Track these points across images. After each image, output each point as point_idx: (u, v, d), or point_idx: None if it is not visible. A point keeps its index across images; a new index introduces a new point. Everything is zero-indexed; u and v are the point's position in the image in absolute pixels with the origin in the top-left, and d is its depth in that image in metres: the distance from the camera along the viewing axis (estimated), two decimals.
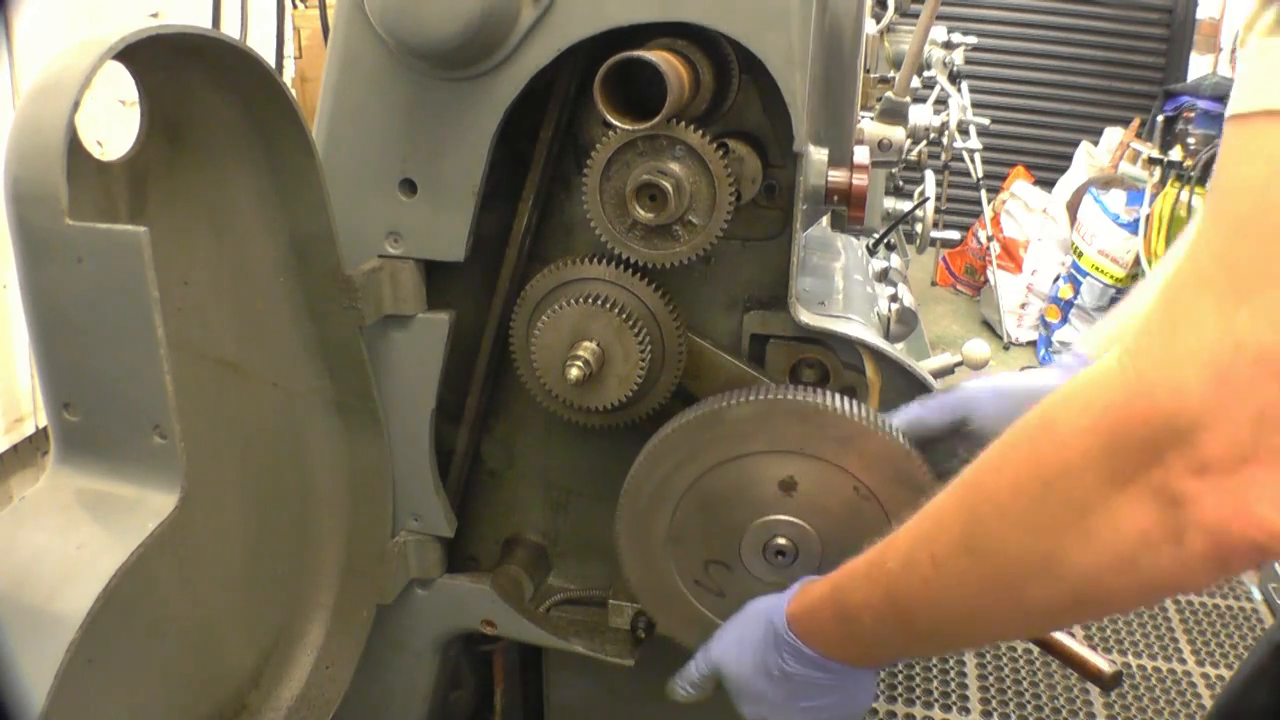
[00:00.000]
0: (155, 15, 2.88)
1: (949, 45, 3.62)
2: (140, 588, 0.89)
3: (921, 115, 2.33)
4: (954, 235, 3.07)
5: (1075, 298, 5.09)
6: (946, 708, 2.65)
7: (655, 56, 0.95)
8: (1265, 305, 0.56)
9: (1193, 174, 4.35)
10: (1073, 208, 5.32)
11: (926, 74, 3.39)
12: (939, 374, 1.45)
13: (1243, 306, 0.56)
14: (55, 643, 0.75)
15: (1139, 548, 0.63)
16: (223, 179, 1.01)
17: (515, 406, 1.30)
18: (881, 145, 1.53)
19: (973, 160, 5.24)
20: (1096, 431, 0.64)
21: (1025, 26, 6.34)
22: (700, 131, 1.02)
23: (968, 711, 2.64)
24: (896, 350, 1.14)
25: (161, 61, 0.89)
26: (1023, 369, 1.18)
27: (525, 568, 1.33)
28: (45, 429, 1.16)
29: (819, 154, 1.10)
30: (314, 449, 1.18)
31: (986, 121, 4.75)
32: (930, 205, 2.56)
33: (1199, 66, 5.62)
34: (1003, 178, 6.15)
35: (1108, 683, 1.17)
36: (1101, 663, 1.17)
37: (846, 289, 1.34)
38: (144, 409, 0.82)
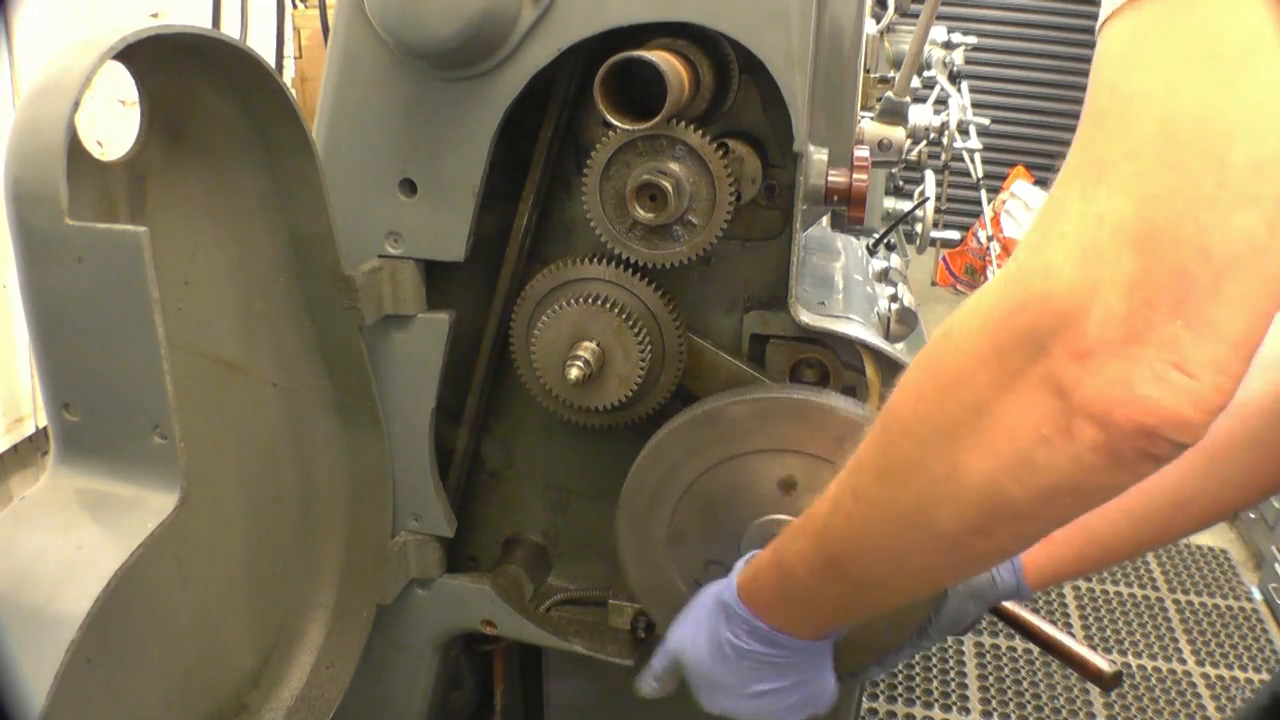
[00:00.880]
0: (155, 15, 2.88)
1: (949, 45, 3.62)
2: (140, 588, 0.89)
3: (921, 115, 2.33)
4: (954, 235, 3.07)
5: None
6: (946, 708, 2.65)
7: (655, 56, 0.95)
8: (1121, 180, 0.57)
9: None
10: None
11: (926, 74, 3.38)
12: None
13: (1101, 185, 0.57)
14: (55, 643, 0.75)
15: (1033, 445, 0.62)
16: (223, 179, 1.01)
17: (515, 406, 1.30)
18: (881, 145, 1.53)
19: (973, 160, 5.23)
20: (984, 330, 0.63)
21: (1025, 26, 6.35)
22: (700, 131, 1.02)
23: (968, 711, 2.64)
24: (896, 350, 1.14)
25: (161, 61, 0.89)
26: None
27: (525, 568, 1.33)
28: (45, 429, 1.16)
29: (819, 154, 1.10)
30: (314, 449, 1.18)
31: (986, 121, 4.74)
32: (930, 205, 2.56)
33: None
34: (1003, 178, 6.16)
35: (1108, 683, 1.18)
36: (1101, 663, 1.17)
37: (846, 289, 1.34)
38: (144, 409, 0.82)
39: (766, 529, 1.08)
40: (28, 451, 2.70)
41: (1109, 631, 3.02)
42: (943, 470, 0.68)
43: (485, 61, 1.04)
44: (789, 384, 1.14)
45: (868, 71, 2.08)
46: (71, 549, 0.81)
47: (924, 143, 2.48)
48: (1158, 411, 0.57)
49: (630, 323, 1.10)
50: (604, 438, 1.23)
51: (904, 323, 1.55)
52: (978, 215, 5.65)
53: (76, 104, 0.76)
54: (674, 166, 1.03)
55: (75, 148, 0.78)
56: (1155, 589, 3.22)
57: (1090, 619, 3.07)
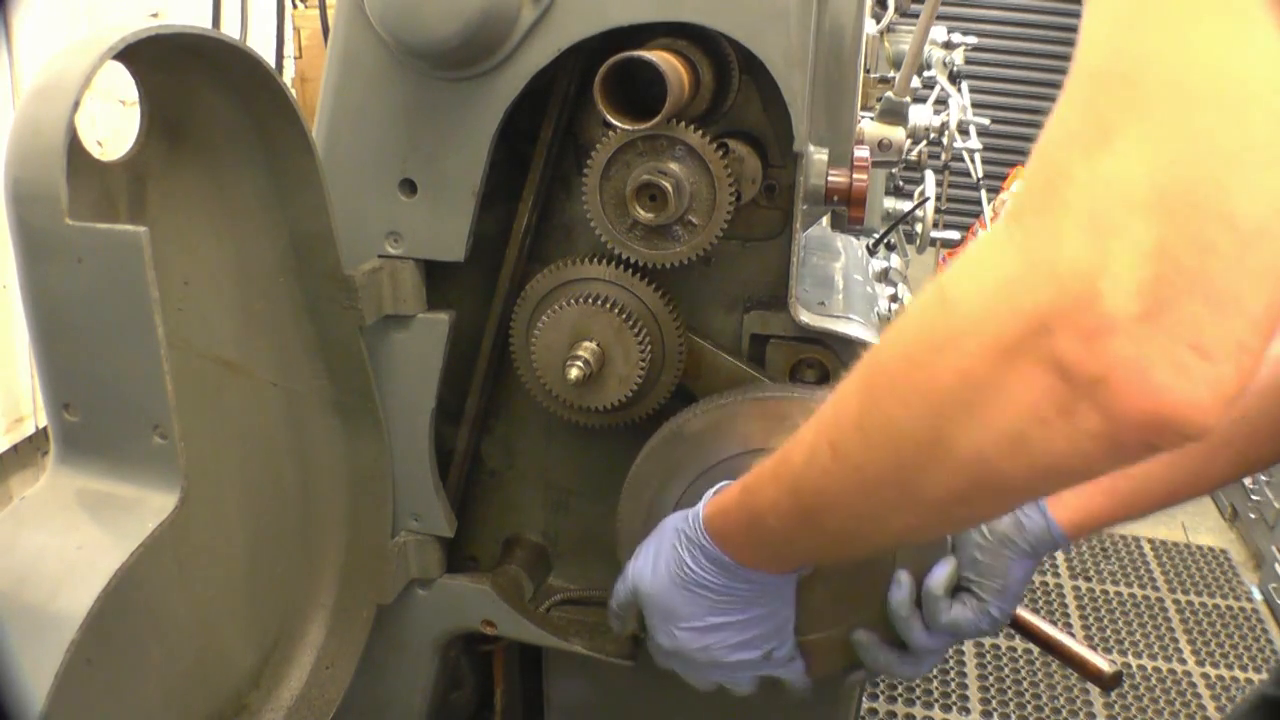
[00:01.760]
0: (155, 15, 2.88)
1: (949, 45, 3.62)
2: (140, 588, 0.89)
3: (921, 115, 2.33)
4: (954, 235, 3.07)
5: None
6: (946, 708, 2.65)
7: (655, 56, 0.95)
8: (1130, 142, 0.52)
9: None
10: None
11: (926, 74, 3.39)
12: None
13: (1107, 149, 0.53)
14: (55, 643, 0.75)
15: (1029, 424, 0.58)
16: (223, 179, 1.01)
17: (515, 406, 1.30)
18: (881, 145, 1.53)
19: (973, 160, 5.23)
20: (984, 297, 0.59)
21: (1025, 26, 6.35)
22: (700, 131, 1.02)
23: (968, 711, 2.65)
24: None
25: (161, 61, 0.89)
26: None
27: (525, 568, 1.33)
28: (45, 429, 1.16)
29: (819, 154, 1.10)
30: (314, 449, 1.18)
31: (986, 121, 4.74)
32: (930, 205, 2.56)
33: None
34: (1003, 178, 6.15)
35: (1108, 683, 1.18)
36: (1101, 663, 1.17)
37: (846, 289, 1.34)
38: (144, 409, 0.82)
39: None
40: (28, 451, 2.70)
41: (1109, 631, 3.02)
42: (929, 438, 0.64)
43: (485, 62, 1.04)
44: (750, 386, 1.14)
45: (868, 71, 2.08)
46: (72, 549, 0.81)
47: (924, 143, 2.48)
48: (1170, 401, 0.52)
49: (630, 323, 1.10)
50: (604, 438, 1.23)
51: None
52: (978, 215, 5.65)
53: (76, 104, 0.76)
54: (674, 166, 1.03)
55: (75, 148, 0.78)
56: (1155, 589, 3.22)
57: (1090, 619, 3.07)
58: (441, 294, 1.20)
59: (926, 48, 3.39)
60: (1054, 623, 1.20)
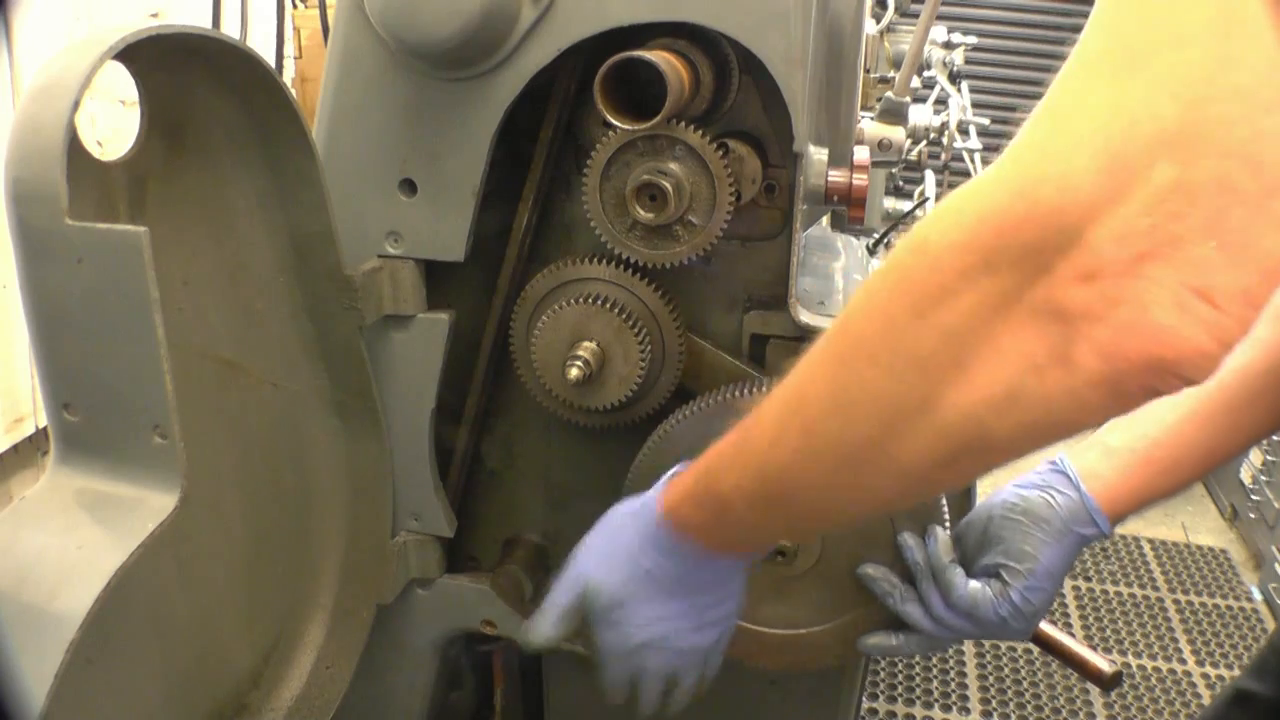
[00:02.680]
0: (155, 15, 2.88)
1: (949, 45, 3.62)
2: (140, 588, 0.89)
3: (921, 115, 2.34)
4: None
5: None
6: (946, 708, 2.65)
7: (655, 56, 0.95)
8: (1162, 71, 0.48)
9: None
10: None
11: (926, 74, 3.39)
12: None
13: (1136, 78, 0.49)
14: (55, 642, 0.75)
15: (1023, 376, 0.54)
16: (223, 179, 1.01)
17: (515, 406, 1.30)
18: (881, 145, 1.53)
19: (973, 160, 5.24)
20: (972, 246, 0.55)
21: (1025, 26, 6.35)
22: (700, 131, 1.02)
23: (968, 711, 2.64)
24: None
25: (161, 61, 0.89)
26: None
27: (525, 568, 1.32)
28: (45, 429, 1.16)
29: (819, 154, 1.10)
30: (314, 449, 1.18)
31: (986, 121, 4.74)
32: (930, 205, 2.56)
33: None
34: None
35: (1108, 683, 1.18)
36: (1101, 663, 1.17)
37: (846, 289, 1.34)
38: (144, 409, 0.82)
39: None
40: (28, 451, 2.70)
41: (1109, 631, 3.02)
42: (914, 402, 0.60)
43: (485, 61, 1.04)
44: (751, 381, 1.13)
45: (868, 71, 2.08)
46: (72, 549, 0.81)
47: (924, 143, 2.49)
48: (1173, 343, 0.49)
49: (630, 323, 1.10)
50: (604, 438, 1.23)
51: None
52: None
53: (76, 104, 0.76)
54: (674, 166, 1.03)
55: (75, 148, 0.78)
56: (1155, 589, 3.22)
57: (1090, 619, 3.07)
58: (441, 294, 1.20)
59: (926, 48, 3.39)
60: (1054, 623, 1.20)
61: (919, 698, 2.68)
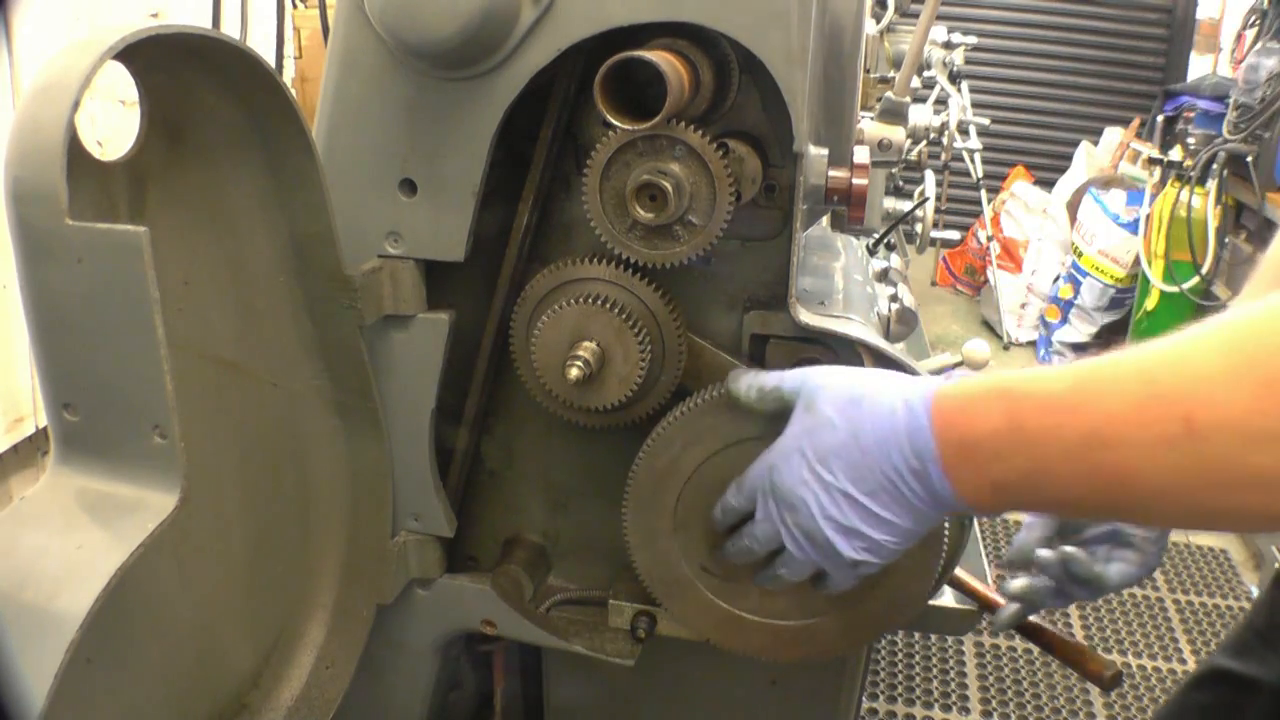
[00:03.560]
0: (155, 15, 2.88)
1: (949, 45, 3.62)
2: (140, 588, 0.89)
3: (921, 115, 2.33)
4: (954, 235, 3.07)
5: (1075, 298, 5.09)
6: (946, 708, 2.65)
7: (655, 56, 0.95)
8: None
9: (1193, 174, 4.35)
10: (1073, 208, 5.32)
11: (926, 74, 3.38)
12: (938, 374, 1.45)
13: None
14: (55, 643, 0.75)
15: None
16: (223, 179, 1.01)
17: (515, 406, 1.30)
18: (881, 145, 1.53)
19: (973, 160, 5.24)
20: None
21: (1025, 26, 6.35)
22: (700, 131, 1.02)
23: (968, 711, 2.65)
24: (896, 350, 1.14)
25: (161, 61, 0.89)
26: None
27: (525, 568, 1.33)
28: (45, 429, 1.16)
29: (819, 154, 1.10)
30: (314, 449, 1.19)
31: (986, 121, 4.75)
32: (930, 205, 2.56)
33: (1199, 66, 5.62)
34: (1003, 178, 6.16)
35: (1108, 683, 1.18)
36: (1102, 663, 1.17)
37: (846, 289, 1.34)
38: (144, 409, 0.82)
39: None
40: (28, 451, 2.71)
41: (1109, 631, 3.02)
42: None
43: (485, 61, 1.04)
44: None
45: (868, 71, 2.08)
46: (72, 549, 0.81)
47: (924, 143, 2.48)
48: None
49: (630, 323, 1.10)
50: (604, 438, 1.23)
51: (904, 323, 1.55)
52: (978, 215, 5.66)
53: (76, 104, 0.76)
54: (674, 166, 1.03)
55: (75, 148, 0.78)
56: (1155, 589, 3.22)
57: (1090, 619, 3.07)
58: (441, 294, 1.20)
59: (926, 48, 3.38)
60: (1054, 623, 1.21)
61: (919, 698, 2.68)
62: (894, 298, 1.55)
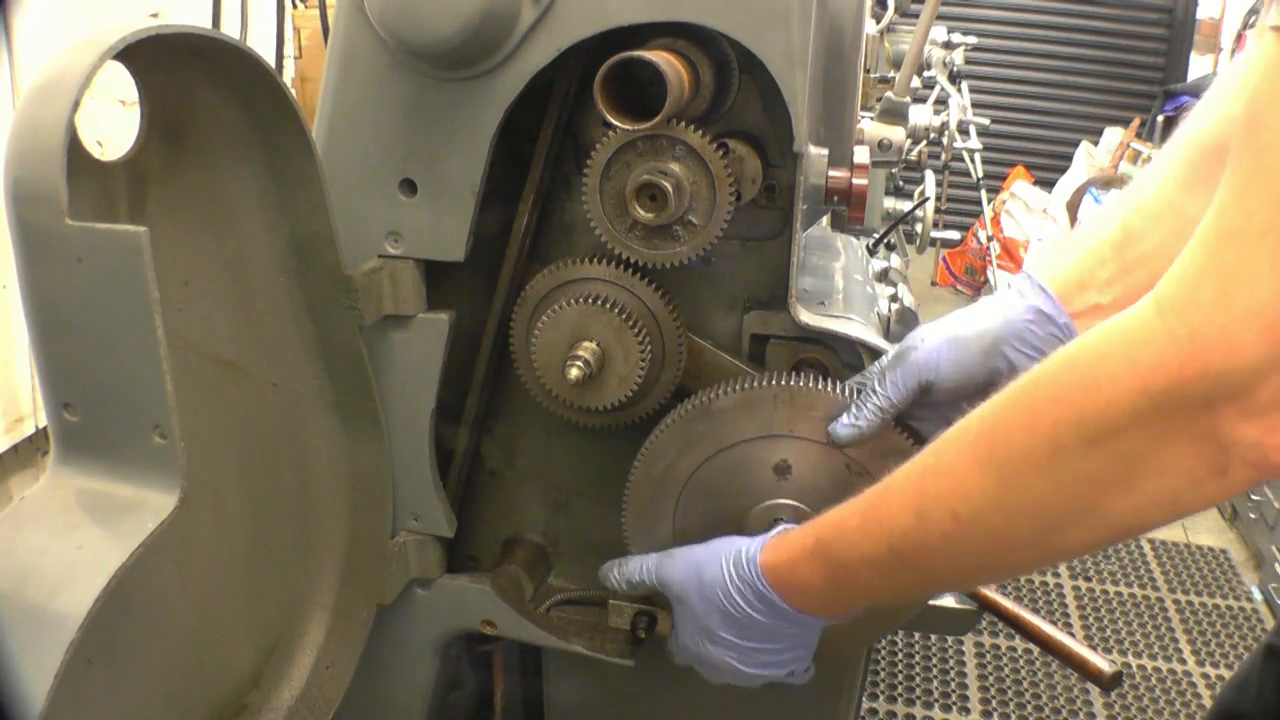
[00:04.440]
0: (155, 15, 2.88)
1: (949, 45, 3.62)
2: (140, 588, 0.89)
3: (921, 115, 2.33)
4: (954, 235, 3.07)
5: None
6: (946, 708, 2.65)
7: (655, 56, 0.95)
8: None
9: None
10: (1073, 208, 5.32)
11: (926, 74, 3.38)
12: None
13: None
14: (55, 643, 0.75)
15: (1184, 486, 0.67)
16: (223, 179, 1.01)
17: (515, 406, 1.30)
18: (881, 145, 1.53)
19: (973, 160, 5.23)
20: (1146, 391, 0.65)
21: (1025, 26, 6.35)
22: (700, 131, 1.02)
23: (968, 711, 2.64)
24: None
25: (161, 61, 0.89)
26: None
27: (525, 568, 1.33)
28: (45, 429, 1.16)
29: (819, 154, 1.10)
30: (314, 449, 1.18)
31: (986, 121, 4.74)
32: (930, 205, 2.56)
33: (1199, 66, 5.63)
34: (1003, 178, 6.15)
35: (1108, 683, 1.18)
36: (1101, 663, 1.17)
37: (846, 289, 1.34)
38: (144, 409, 0.82)
39: (767, 514, 1.10)
40: (28, 451, 2.70)
41: (1109, 631, 3.02)
42: (1080, 509, 0.72)
43: (485, 61, 1.04)
44: (773, 372, 1.14)
45: (868, 71, 2.08)
46: (72, 549, 0.81)
47: (924, 143, 2.48)
48: None
49: (630, 323, 1.10)
50: (604, 438, 1.23)
51: (904, 323, 1.55)
52: (978, 215, 5.64)
53: (76, 104, 0.76)
54: (674, 166, 1.03)
55: (75, 148, 0.78)
56: (1155, 589, 3.22)
57: (1090, 619, 3.07)
58: (441, 294, 1.20)
59: (926, 48, 3.38)
60: (1054, 623, 1.20)
61: (919, 698, 2.68)
62: (894, 298, 1.55)
